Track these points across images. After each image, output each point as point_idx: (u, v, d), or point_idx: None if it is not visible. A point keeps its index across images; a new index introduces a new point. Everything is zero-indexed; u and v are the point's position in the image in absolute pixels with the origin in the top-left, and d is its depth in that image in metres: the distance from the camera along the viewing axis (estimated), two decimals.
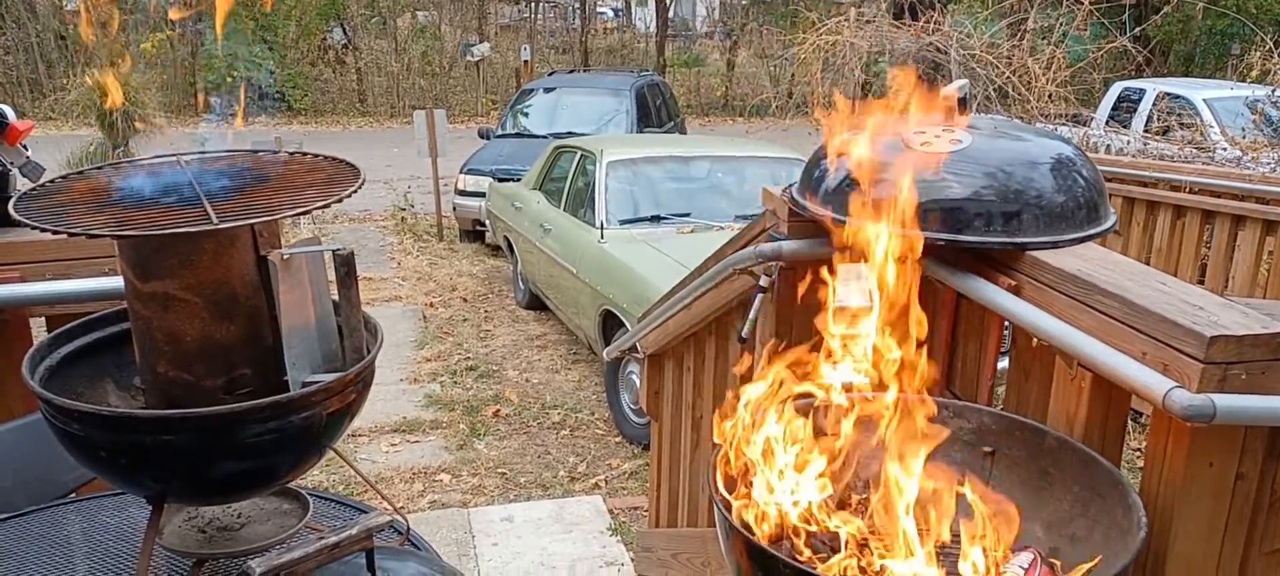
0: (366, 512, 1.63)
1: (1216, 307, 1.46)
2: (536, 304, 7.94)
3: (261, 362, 1.45)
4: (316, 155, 1.58)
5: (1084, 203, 1.83)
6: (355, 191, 1.41)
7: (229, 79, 19.50)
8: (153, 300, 1.38)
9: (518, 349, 7.22)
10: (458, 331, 7.57)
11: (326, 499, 1.84)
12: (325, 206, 1.35)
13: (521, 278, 8.10)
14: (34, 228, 1.29)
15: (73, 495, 1.90)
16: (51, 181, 1.49)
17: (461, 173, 10.28)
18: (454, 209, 10.40)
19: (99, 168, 1.54)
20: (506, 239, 8.45)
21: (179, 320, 1.38)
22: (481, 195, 9.51)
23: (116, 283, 2.01)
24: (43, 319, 2.21)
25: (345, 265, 1.41)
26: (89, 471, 1.63)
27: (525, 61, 20.70)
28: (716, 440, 1.59)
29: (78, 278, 2.11)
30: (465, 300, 8.43)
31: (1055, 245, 1.76)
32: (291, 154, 1.59)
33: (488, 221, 9.26)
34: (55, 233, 1.28)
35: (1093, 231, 1.82)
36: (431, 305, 8.23)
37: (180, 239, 1.32)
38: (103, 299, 1.99)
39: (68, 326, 1.57)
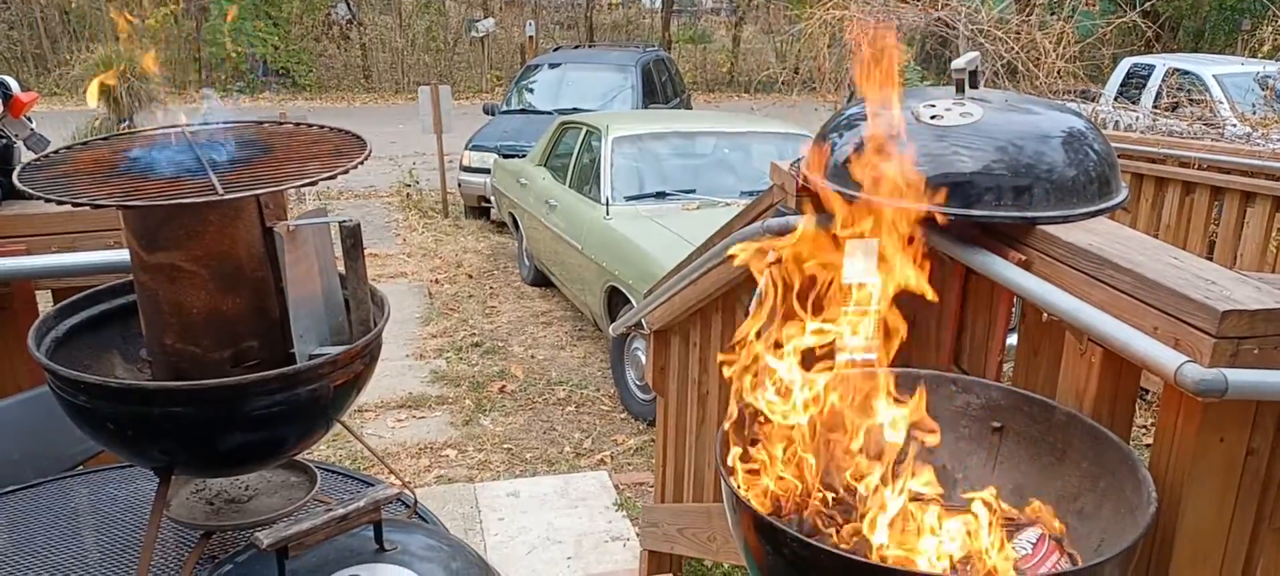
0: (374, 486, 1.64)
1: (1229, 282, 1.45)
2: (542, 280, 7.94)
3: (268, 335, 1.44)
4: (322, 126, 1.57)
5: (1095, 177, 1.81)
6: (361, 162, 1.40)
7: (233, 55, 19.49)
8: (158, 272, 1.37)
9: (523, 325, 7.23)
10: (463, 307, 7.58)
11: (334, 472, 1.85)
12: (331, 177, 1.34)
13: (527, 254, 8.09)
14: (40, 198, 1.28)
15: (80, 468, 1.90)
16: (56, 152, 1.48)
17: (466, 149, 10.25)
18: (459, 185, 10.39)
19: (104, 139, 1.53)
20: (511, 215, 8.44)
21: (185, 292, 1.37)
22: (486, 171, 9.49)
23: (122, 256, 2.00)
24: (48, 292, 2.21)
25: (351, 237, 1.40)
26: (96, 444, 1.63)
27: (530, 37, 20.61)
28: (732, 405, 1.59)
29: (83, 250, 2.10)
30: (470, 276, 8.43)
31: (1066, 219, 1.75)
32: (296, 125, 1.58)
33: (493, 198, 9.24)
34: (60, 203, 1.27)
35: (1104, 206, 1.81)
36: (437, 281, 8.23)
37: (185, 210, 1.32)
38: (108, 272, 1.98)
39: (73, 298, 1.57)
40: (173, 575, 1.52)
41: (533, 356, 6.61)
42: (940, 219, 1.73)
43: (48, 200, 1.29)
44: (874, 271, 2.34)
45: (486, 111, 11.87)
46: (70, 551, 1.62)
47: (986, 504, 1.50)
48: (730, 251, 2.54)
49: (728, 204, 5.97)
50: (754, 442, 1.58)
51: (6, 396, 1.98)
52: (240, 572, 1.35)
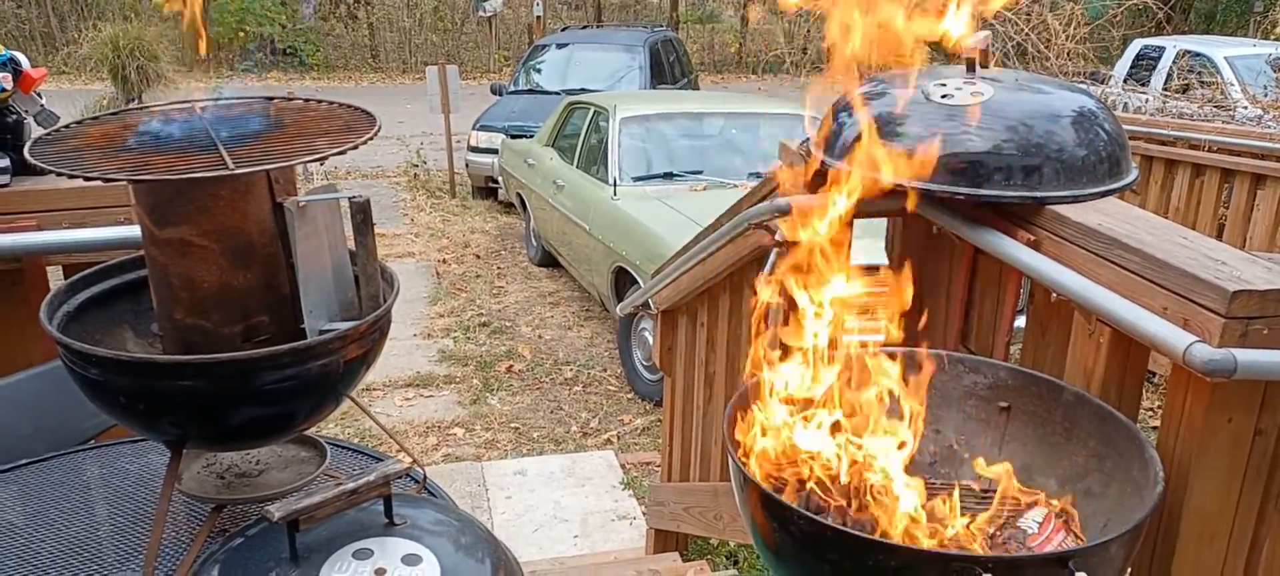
0: (383, 461, 1.65)
1: (1239, 262, 1.44)
2: (549, 261, 7.94)
3: (278, 310, 1.45)
4: (332, 103, 1.57)
5: (1105, 156, 1.81)
6: (371, 138, 1.40)
7: (241, 34, 19.47)
8: (169, 247, 1.38)
9: (530, 305, 7.24)
10: (471, 288, 7.59)
11: (344, 447, 1.86)
12: (341, 153, 1.34)
13: (534, 234, 8.10)
14: (51, 172, 1.29)
15: (92, 442, 1.92)
16: (67, 127, 1.48)
17: (474, 129, 10.24)
18: (467, 165, 10.38)
19: (114, 114, 1.53)
20: (519, 196, 8.44)
21: (196, 267, 1.38)
22: (494, 152, 9.49)
23: (133, 231, 2.01)
24: (60, 268, 2.22)
25: (361, 213, 1.40)
26: (108, 418, 1.64)
27: (537, 17, 20.52)
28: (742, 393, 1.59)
29: (93, 227, 2.11)
30: (478, 257, 8.44)
31: (1076, 199, 1.74)
32: (306, 101, 1.58)
33: (500, 178, 9.24)
34: (71, 176, 1.28)
35: (1114, 186, 1.80)
36: (444, 261, 8.24)
37: (196, 184, 1.32)
38: (119, 248, 1.99)
39: (85, 273, 1.57)
40: (184, 548, 1.54)
41: (540, 336, 6.62)
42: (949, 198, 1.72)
43: (59, 174, 1.30)
44: (881, 251, 2.34)
45: (494, 92, 11.84)
46: (83, 524, 1.63)
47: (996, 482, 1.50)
48: (739, 230, 2.55)
49: (735, 185, 5.96)
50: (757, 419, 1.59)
51: (19, 371, 1.99)
52: (251, 545, 1.36)
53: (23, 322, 2.15)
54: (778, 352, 1.62)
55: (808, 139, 2.17)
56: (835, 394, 1.59)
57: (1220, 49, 9.80)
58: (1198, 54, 9.75)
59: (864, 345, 1.63)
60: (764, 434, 1.58)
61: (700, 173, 6.55)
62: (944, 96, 1.88)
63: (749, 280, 2.71)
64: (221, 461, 1.65)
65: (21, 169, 2.18)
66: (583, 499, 4.52)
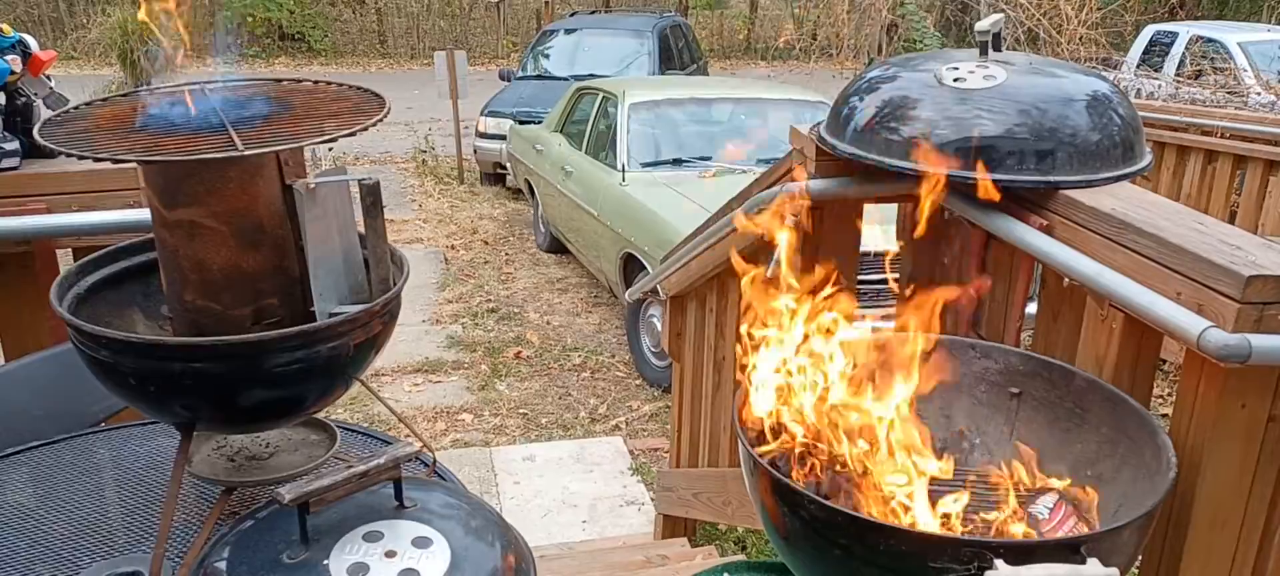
0: (393, 444, 1.65)
1: (1254, 247, 1.43)
2: (557, 247, 7.94)
3: (288, 293, 1.45)
4: (341, 84, 1.57)
5: (1120, 141, 1.79)
6: (381, 120, 1.39)
7: (249, 19, 19.47)
8: (179, 228, 1.38)
9: (539, 291, 7.24)
10: (479, 274, 7.59)
11: (353, 431, 1.86)
12: (351, 134, 1.33)
13: (542, 221, 8.09)
14: (61, 153, 1.28)
15: (102, 424, 1.92)
16: (76, 109, 1.48)
17: (482, 115, 10.23)
18: (475, 151, 10.38)
19: (123, 95, 1.53)
20: (527, 182, 8.43)
21: (205, 249, 1.38)
22: (502, 138, 9.47)
23: (142, 215, 2.01)
24: (69, 251, 2.22)
25: (371, 195, 1.40)
26: (118, 400, 1.64)
27: (546, 2, 20.47)
28: (738, 377, 1.59)
29: (103, 210, 2.11)
30: (486, 243, 8.44)
31: (1089, 184, 1.73)
32: (315, 83, 1.58)
33: (509, 164, 9.23)
34: (81, 157, 1.27)
35: (1128, 170, 1.79)
36: (453, 247, 8.25)
37: (206, 166, 1.32)
38: (129, 231, 1.99)
39: (94, 255, 1.57)
40: (195, 530, 1.54)
41: (548, 322, 6.63)
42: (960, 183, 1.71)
43: (69, 155, 1.30)
44: (892, 237, 2.33)
45: (502, 77, 11.83)
46: (93, 506, 1.63)
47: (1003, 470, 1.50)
48: (740, 219, 2.53)
49: (744, 171, 5.94)
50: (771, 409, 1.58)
51: (29, 353, 2.00)
52: (262, 527, 1.36)
53: (32, 305, 2.16)
54: (783, 340, 1.61)
55: (819, 124, 2.16)
56: (844, 379, 1.59)
57: (1233, 34, 9.73)
58: (1211, 39, 9.69)
59: (874, 330, 1.62)
60: (773, 418, 1.57)
61: (709, 159, 6.53)
62: (956, 80, 1.86)
63: (760, 264, 2.70)
64: (231, 444, 1.66)
65: (31, 151, 2.18)
66: (591, 484, 4.53)
